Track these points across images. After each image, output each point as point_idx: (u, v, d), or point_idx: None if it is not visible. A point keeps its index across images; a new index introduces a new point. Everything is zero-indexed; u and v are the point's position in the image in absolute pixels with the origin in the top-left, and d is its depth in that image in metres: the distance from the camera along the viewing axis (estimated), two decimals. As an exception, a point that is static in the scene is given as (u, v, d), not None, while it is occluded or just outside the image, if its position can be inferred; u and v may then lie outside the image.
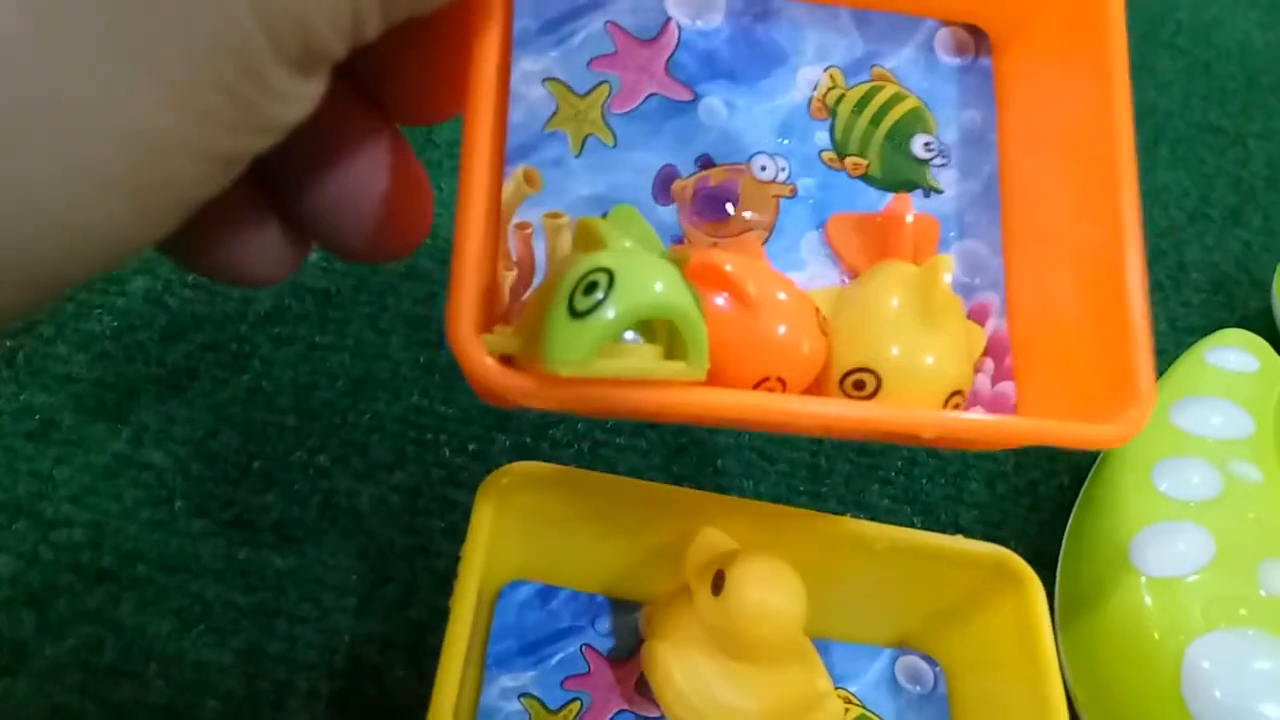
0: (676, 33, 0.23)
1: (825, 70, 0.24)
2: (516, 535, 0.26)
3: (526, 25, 0.22)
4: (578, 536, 0.28)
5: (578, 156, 0.22)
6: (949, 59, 0.25)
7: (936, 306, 0.20)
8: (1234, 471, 0.31)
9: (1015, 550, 0.27)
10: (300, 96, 0.14)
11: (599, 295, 0.16)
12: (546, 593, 0.29)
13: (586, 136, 0.22)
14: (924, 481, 0.35)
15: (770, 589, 0.24)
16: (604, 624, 0.29)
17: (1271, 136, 0.45)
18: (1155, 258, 0.42)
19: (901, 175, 0.24)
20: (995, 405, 0.22)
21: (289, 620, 0.30)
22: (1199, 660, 0.27)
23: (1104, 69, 0.22)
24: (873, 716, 0.29)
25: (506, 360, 0.17)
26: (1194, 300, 0.41)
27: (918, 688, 0.29)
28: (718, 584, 0.24)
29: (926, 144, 0.24)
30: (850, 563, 0.26)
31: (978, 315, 0.23)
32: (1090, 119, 0.22)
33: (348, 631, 0.30)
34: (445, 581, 0.25)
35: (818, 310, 0.21)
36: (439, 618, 0.24)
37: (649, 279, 0.17)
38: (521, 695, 0.27)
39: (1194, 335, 0.38)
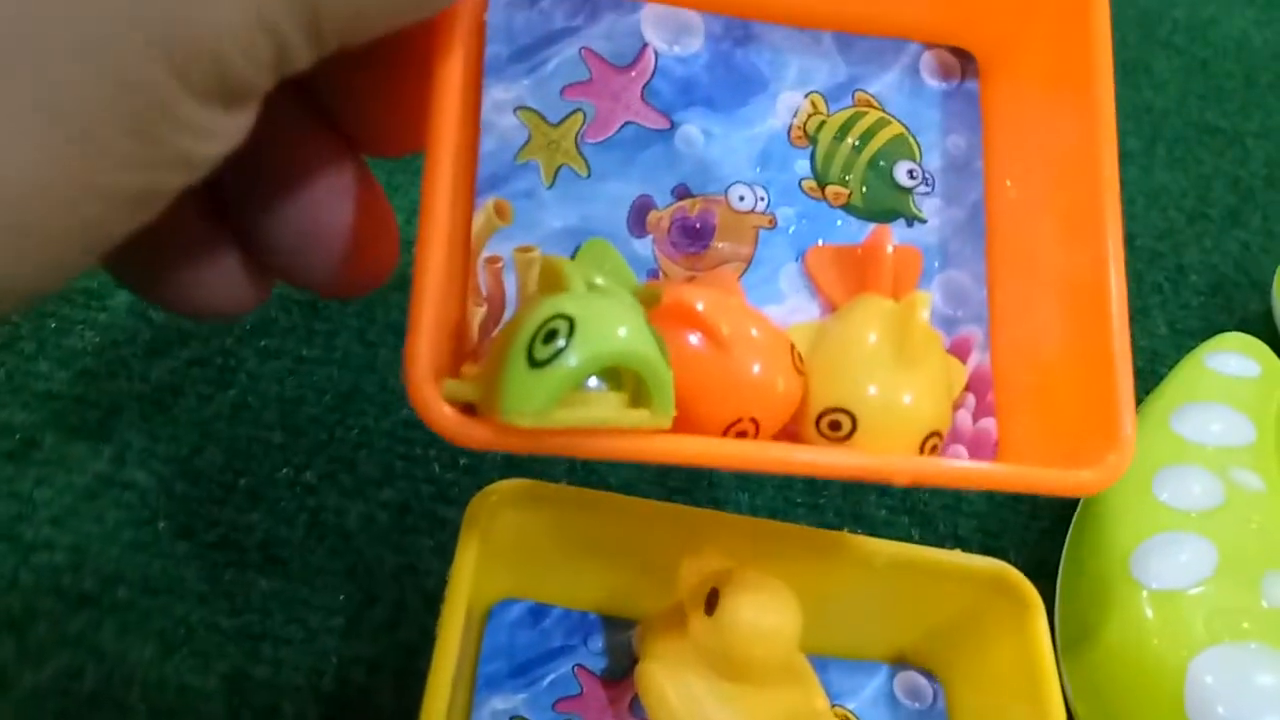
0: (653, 59, 0.23)
1: (806, 95, 0.23)
2: (506, 553, 0.26)
3: (498, 52, 0.22)
4: (569, 554, 0.27)
5: (550, 187, 0.22)
6: (934, 83, 0.24)
7: (914, 345, 0.20)
8: (1235, 480, 0.30)
9: (1014, 560, 0.27)
10: (222, 130, 0.14)
11: (559, 344, 0.16)
12: (538, 611, 0.28)
13: (559, 167, 0.22)
14: (922, 492, 0.35)
15: (764, 609, 0.23)
16: (597, 643, 0.28)
17: (1270, 135, 0.44)
18: (1153, 260, 0.41)
19: (884, 204, 0.23)
20: (976, 443, 0.22)
21: (275, 643, 0.30)
22: (1202, 675, 0.26)
23: (1089, 93, 0.21)
24: None
25: (469, 406, 0.17)
26: (1193, 303, 0.40)
27: (916, 704, 0.29)
28: (711, 603, 0.24)
29: (910, 171, 0.23)
30: (848, 579, 0.26)
31: (960, 349, 0.22)
32: (1075, 144, 0.22)
33: (335, 654, 0.30)
34: (435, 601, 0.25)
35: (793, 348, 0.20)
36: (428, 639, 0.24)
37: (611, 326, 0.16)
38: (512, 718, 0.27)
39: (1193, 338, 0.38)
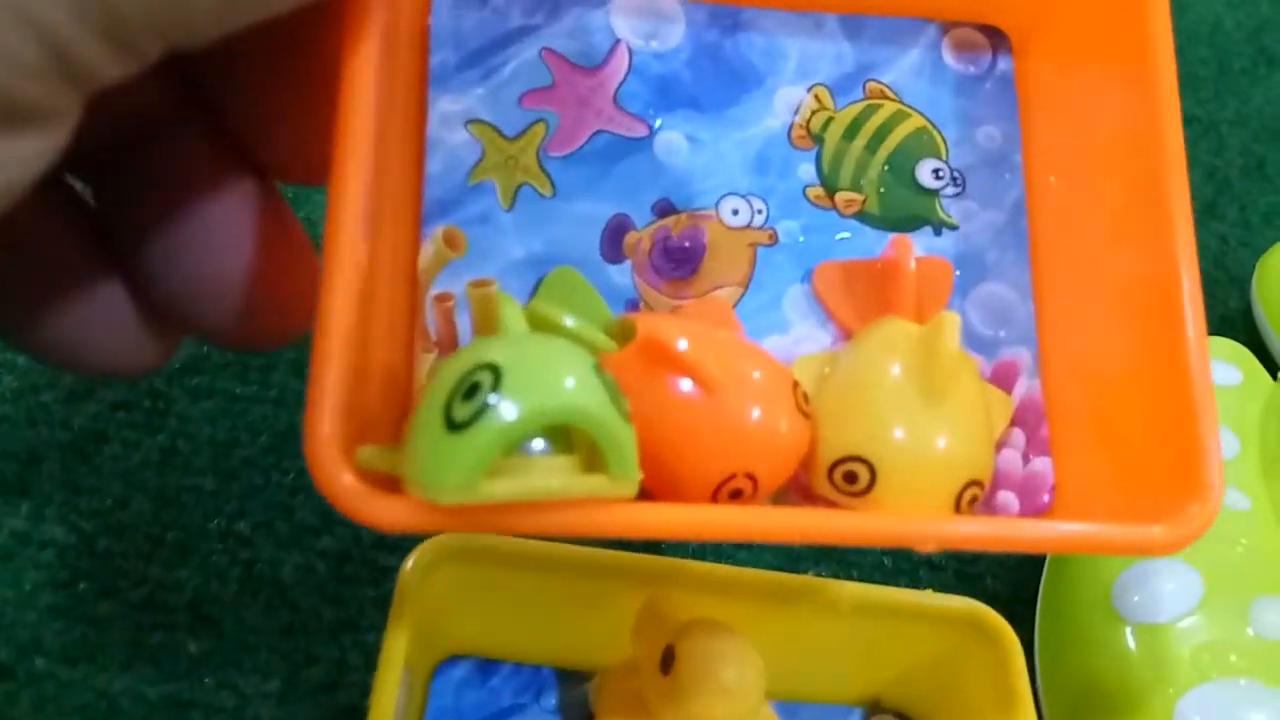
0: (627, 57, 0.20)
1: (809, 90, 0.20)
2: (448, 610, 0.24)
3: (444, 59, 0.19)
4: (517, 607, 0.26)
5: (509, 210, 0.19)
6: (960, 67, 0.21)
7: (943, 376, 0.16)
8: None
9: (992, 587, 0.26)
10: (10, 158, 0.11)
11: (482, 400, 0.13)
12: (486, 668, 0.27)
13: (519, 186, 0.19)
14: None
15: (723, 665, 0.21)
16: (550, 699, 0.27)
17: (1245, 122, 0.42)
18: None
19: (906, 210, 0.20)
20: (1028, 488, 0.18)
21: (205, 712, 0.28)
22: (1190, 715, 0.25)
23: (1146, 65, 0.18)
24: None
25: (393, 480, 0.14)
26: None
27: None
28: (667, 663, 0.22)
29: (935, 170, 0.20)
30: (815, 623, 0.25)
31: (1004, 377, 0.19)
32: (1132, 127, 0.18)
33: (269, 722, 0.28)
34: (377, 658, 0.23)
35: (796, 385, 0.17)
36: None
37: (546, 375, 0.13)
38: None
39: None
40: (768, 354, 0.18)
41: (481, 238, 0.18)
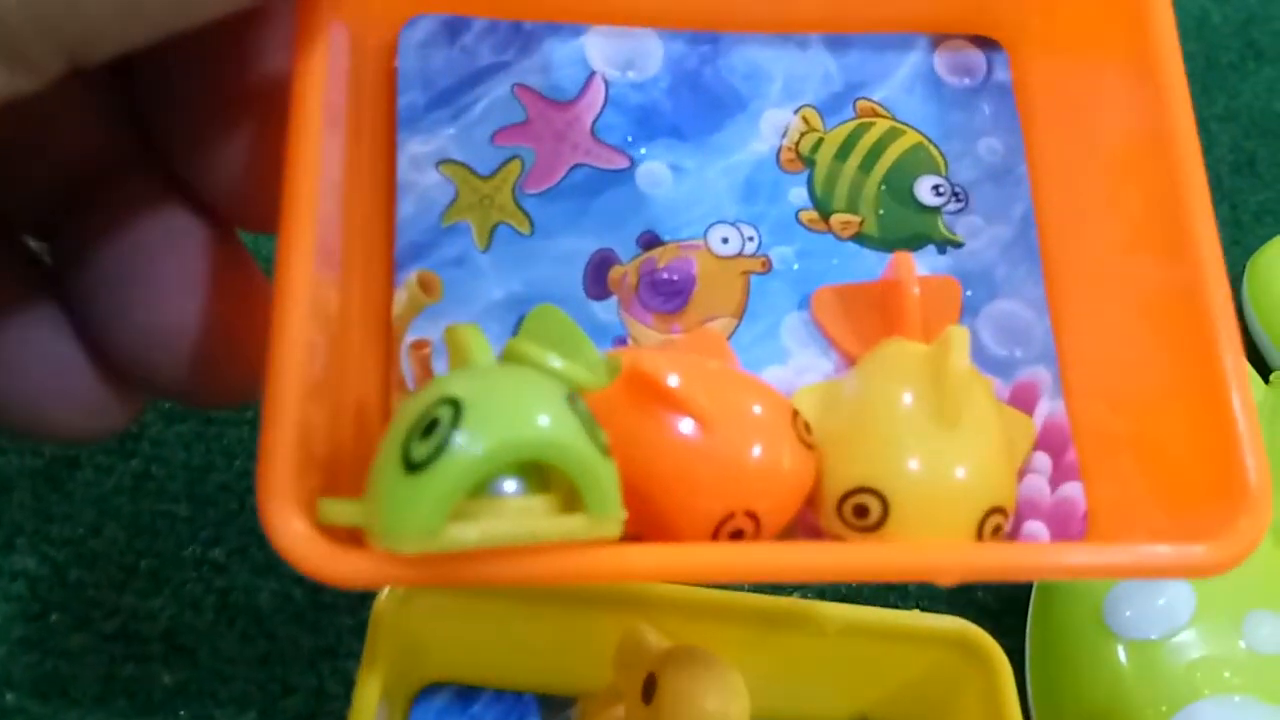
0: (603, 89, 0.19)
1: (797, 111, 0.19)
2: (426, 639, 0.24)
3: (413, 101, 0.18)
4: (498, 633, 0.25)
5: (485, 251, 0.18)
6: (955, 80, 0.20)
7: (953, 397, 0.15)
8: None
9: (983, 598, 0.26)
10: None
11: (442, 437, 0.12)
12: (467, 695, 0.26)
13: (495, 225, 0.18)
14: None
15: (706, 693, 0.20)
16: None
17: (1234, 117, 0.40)
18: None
19: (906, 229, 0.19)
20: (1059, 516, 0.17)
21: None
22: None
23: (1150, 60, 0.17)
24: None
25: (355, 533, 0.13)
26: None
27: None
28: (649, 691, 0.21)
29: (935, 187, 0.19)
30: (802, 646, 0.24)
31: (1024, 399, 0.18)
32: (1141, 127, 0.17)
33: (246, 755, 0.27)
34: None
35: (796, 415, 0.16)
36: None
37: (511, 408, 0.12)
38: None
39: None
40: (764, 384, 0.16)
41: (458, 281, 0.18)
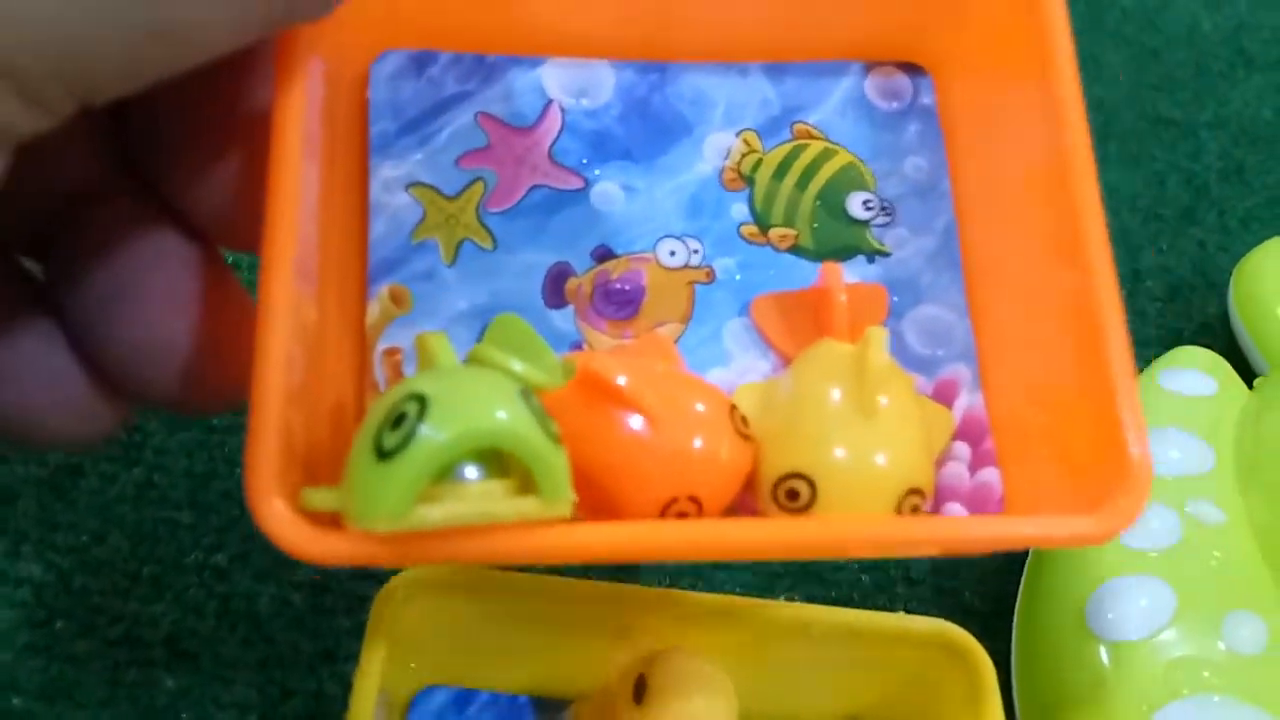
0: (560, 116, 0.20)
1: (738, 134, 0.21)
2: (423, 641, 0.24)
3: (384, 129, 0.20)
4: (493, 636, 0.26)
5: (451, 265, 0.19)
6: (884, 104, 0.21)
7: (873, 389, 0.17)
8: (1193, 513, 0.28)
9: (971, 600, 0.25)
10: None
11: (409, 428, 0.13)
12: (464, 697, 0.26)
13: (461, 241, 0.20)
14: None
15: (694, 694, 0.21)
16: None
17: (1223, 125, 0.41)
18: (1109, 268, 0.38)
19: (838, 241, 0.20)
20: (977, 499, 0.18)
21: None
22: None
23: (1053, 88, 0.18)
24: None
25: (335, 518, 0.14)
26: (1149, 310, 0.37)
27: None
28: (639, 692, 0.22)
29: (865, 202, 0.21)
30: (788, 648, 0.25)
31: (945, 393, 0.19)
32: (1046, 146, 0.19)
33: (247, 756, 0.27)
34: None
35: (734, 409, 0.17)
36: (348, 730, 0.22)
37: (471, 401, 0.14)
38: None
39: (1151, 349, 0.34)
40: (706, 383, 0.18)
41: (426, 293, 0.19)
